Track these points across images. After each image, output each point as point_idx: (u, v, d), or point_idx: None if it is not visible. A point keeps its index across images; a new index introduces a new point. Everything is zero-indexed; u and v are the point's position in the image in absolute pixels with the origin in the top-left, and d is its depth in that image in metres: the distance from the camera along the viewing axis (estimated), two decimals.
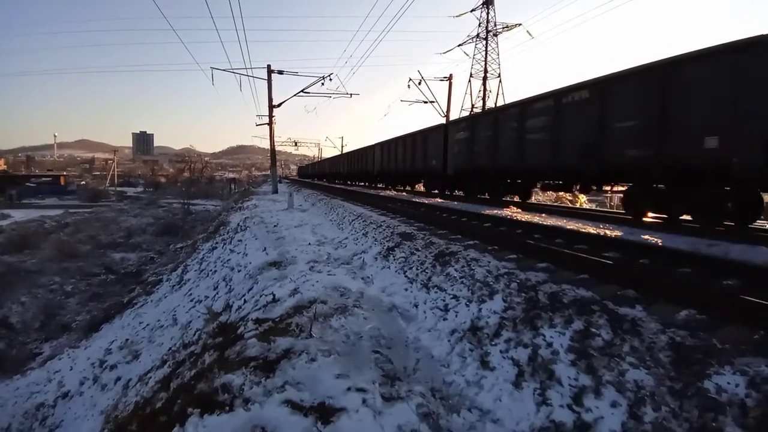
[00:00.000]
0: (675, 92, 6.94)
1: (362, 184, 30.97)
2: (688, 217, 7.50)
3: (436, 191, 17.71)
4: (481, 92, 40.08)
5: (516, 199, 13.73)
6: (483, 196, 14.36)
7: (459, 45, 41.71)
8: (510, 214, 8.96)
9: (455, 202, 12.71)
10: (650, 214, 8.27)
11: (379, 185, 26.47)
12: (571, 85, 9.45)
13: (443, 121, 25.66)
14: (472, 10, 40.74)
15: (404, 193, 19.02)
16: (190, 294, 9.48)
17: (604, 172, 8.80)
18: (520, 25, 40.07)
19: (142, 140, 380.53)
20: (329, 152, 77.83)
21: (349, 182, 35.30)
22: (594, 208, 16.96)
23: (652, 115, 7.30)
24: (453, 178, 15.79)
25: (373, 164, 25.87)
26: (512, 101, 12.51)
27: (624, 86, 7.97)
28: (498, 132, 12.23)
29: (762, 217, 7.47)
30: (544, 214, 9.04)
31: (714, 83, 6.35)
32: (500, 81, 40.84)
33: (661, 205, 7.91)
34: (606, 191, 10.98)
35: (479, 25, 40.47)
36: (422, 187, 21.28)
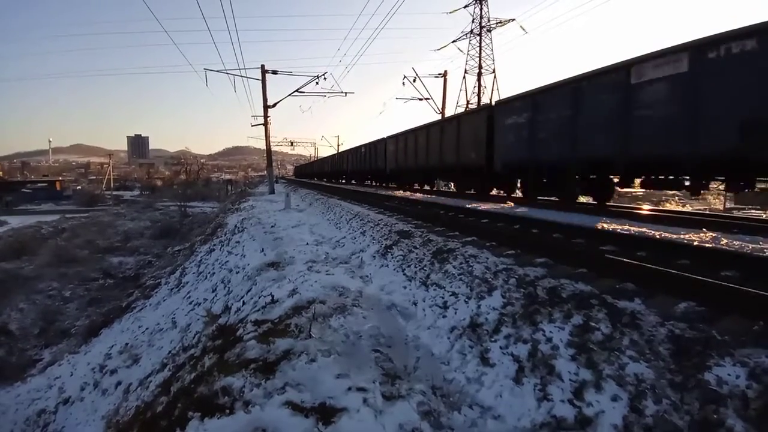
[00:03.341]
0: None
1: (369, 183, 28.05)
2: None
3: (472, 191, 14.53)
4: (476, 88, 40.13)
5: (589, 200, 10.63)
6: (545, 198, 11.17)
7: (453, 41, 41.76)
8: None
9: (501, 206, 9.99)
10: None
11: (391, 185, 23.35)
12: (723, 33, 6.42)
13: (439, 117, 25.64)
14: (465, 6, 40.77)
15: (425, 195, 15.52)
16: (189, 297, 9.46)
17: None
18: (513, 20, 40.09)
19: (138, 143, 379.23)
20: (325, 151, 77.69)
21: (353, 182, 32.02)
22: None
23: None
24: (502, 174, 12.37)
25: (385, 161, 22.56)
26: (609, 64, 8.48)
27: None
28: (581, 110, 8.91)
29: None
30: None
31: None
32: (495, 77, 40.89)
33: None
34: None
35: (473, 21, 40.51)
36: (453, 187, 18.07)
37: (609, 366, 2.74)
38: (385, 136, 22.86)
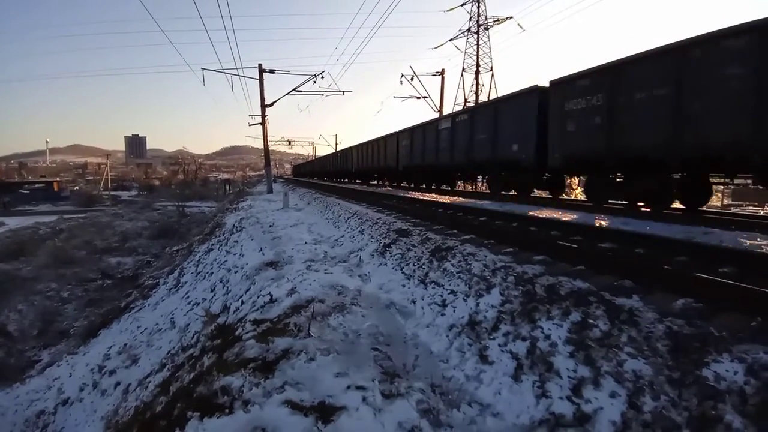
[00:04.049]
0: None
1: (377, 183, 26.52)
2: None
3: (512, 192, 12.50)
4: (474, 86, 40.12)
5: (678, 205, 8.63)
6: (615, 201, 9.33)
7: (450, 39, 41.69)
8: None
9: (568, 214, 7.84)
10: None
11: (403, 184, 21.89)
12: None
13: (436, 115, 25.51)
14: (462, 4, 40.74)
15: (455, 197, 12.83)
16: (188, 297, 9.45)
17: None
18: (510, 18, 40.05)
19: (135, 143, 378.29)
20: (323, 150, 77.57)
21: (357, 181, 30.86)
22: None
23: None
24: (560, 171, 10.79)
25: (397, 158, 20.56)
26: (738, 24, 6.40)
27: None
28: (686, 87, 6.92)
29: None
30: None
31: None
32: (492, 75, 40.88)
33: None
34: None
35: (470, 19, 40.48)
36: (484, 187, 16.64)
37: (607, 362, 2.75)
38: (396, 131, 21.01)
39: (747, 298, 2.95)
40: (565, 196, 12.63)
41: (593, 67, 9.00)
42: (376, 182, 27.37)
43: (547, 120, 10.25)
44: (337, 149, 50.72)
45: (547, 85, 10.38)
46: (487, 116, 12.92)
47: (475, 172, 16.07)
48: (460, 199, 12.45)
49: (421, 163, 17.80)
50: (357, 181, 31.09)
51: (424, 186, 19.22)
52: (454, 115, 15.52)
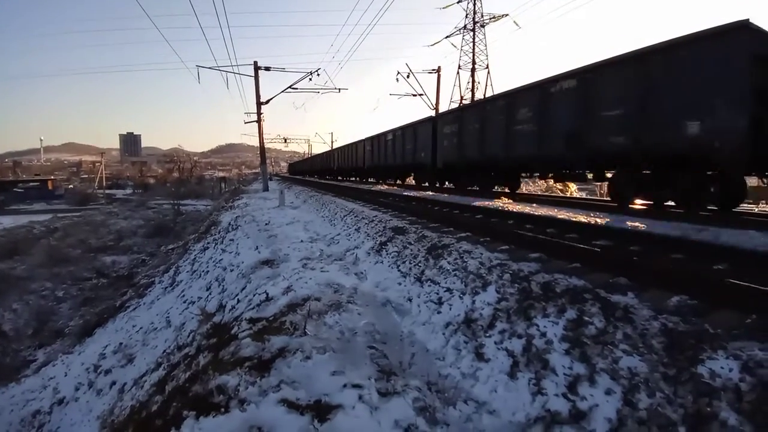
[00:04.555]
0: None
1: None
2: None
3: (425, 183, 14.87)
4: (470, 84, 40.13)
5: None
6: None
7: (446, 37, 41.67)
8: None
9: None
10: None
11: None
12: None
13: (432, 113, 25.55)
14: (458, 2, 40.70)
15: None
16: (183, 295, 9.42)
17: None
18: (507, 15, 40.06)
19: (130, 141, 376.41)
20: (319, 148, 77.41)
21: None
22: None
23: None
24: (441, 170, 14.20)
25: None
26: None
27: None
28: (485, 124, 11.56)
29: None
30: None
31: None
32: (488, 72, 40.90)
33: None
34: None
35: (466, 17, 40.45)
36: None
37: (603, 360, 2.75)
38: (363, 138, 23.91)
39: None
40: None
41: (453, 109, 16.72)
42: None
43: (436, 138, 15.50)
44: (333, 147, 50.52)
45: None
46: (411, 133, 18.10)
47: (406, 171, 21.25)
48: (396, 187, 19.14)
49: (380, 163, 22.91)
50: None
51: (381, 180, 24.60)
52: (394, 130, 20.61)
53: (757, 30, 6.48)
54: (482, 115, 12.95)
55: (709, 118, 6.63)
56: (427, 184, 18.45)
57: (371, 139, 24.61)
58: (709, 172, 7.28)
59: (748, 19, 6.37)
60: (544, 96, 10.16)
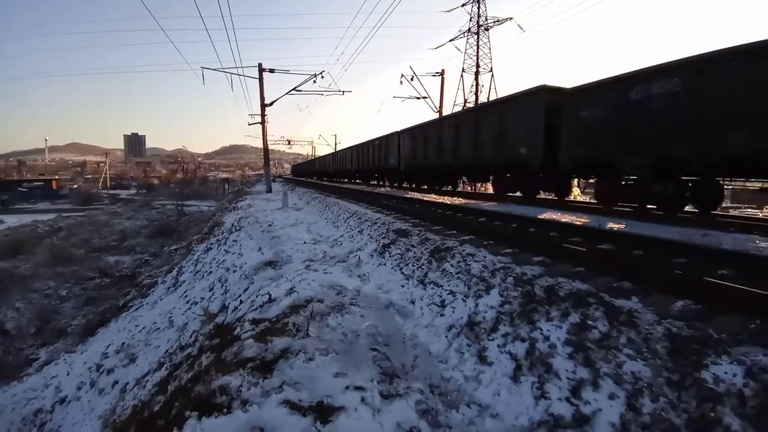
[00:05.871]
0: None
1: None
2: None
3: (396, 184, 17.11)
4: (474, 87, 40.09)
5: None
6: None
7: (450, 40, 41.60)
8: None
9: None
10: None
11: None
12: None
13: (436, 115, 25.65)
14: (463, 5, 40.65)
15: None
16: (186, 296, 9.43)
17: None
18: (511, 18, 40.03)
19: (134, 142, 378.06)
20: (323, 150, 77.56)
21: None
22: None
23: None
24: (403, 173, 17.66)
25: (351, 163, 22.46)
26: None
27: None
28: (443, 137, 16.45)
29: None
30: None
31: None
32: (492, 75, 40.84)
33: None
34: None
35: (470, 20, 40.39)
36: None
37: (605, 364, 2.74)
38: (351, 145, 27.90)
39: None
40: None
41: (413, 126, 18.70)
42: (347, 180, 33.15)
43: (399, 148, 19.22)
44: (337, 149, 50.56)
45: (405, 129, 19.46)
46: (385, 144, 21.15)
47: (382, 174, 24.54)
48: (387, 188, 21.44)
49: (364, 167, 26.47)
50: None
51: (361, 181, 28.96)
52: (374, 140, 23.66)
53: (550, 89, 10.54)
54: (425, 133, 17.49)
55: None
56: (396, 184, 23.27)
57: (357, 147, 28.99)
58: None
59: (545, 84, 10.73)
60: (457, 123, 15.07)
